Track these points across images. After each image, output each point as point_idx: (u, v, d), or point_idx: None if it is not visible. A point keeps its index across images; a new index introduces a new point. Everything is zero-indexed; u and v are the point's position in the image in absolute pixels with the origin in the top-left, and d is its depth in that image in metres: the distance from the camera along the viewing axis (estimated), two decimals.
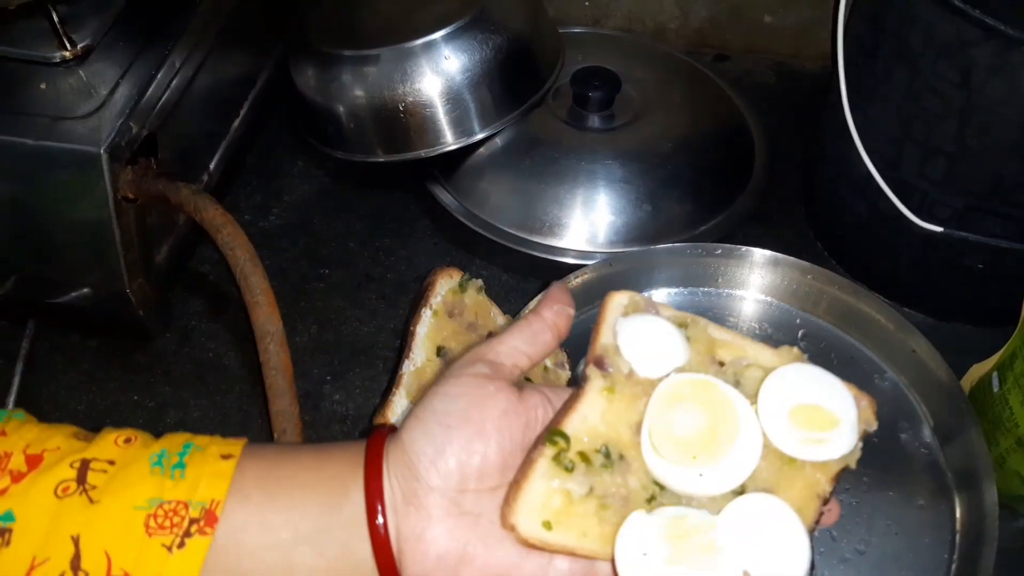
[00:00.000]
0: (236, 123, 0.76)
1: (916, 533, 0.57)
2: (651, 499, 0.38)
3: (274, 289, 0.61)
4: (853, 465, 0.39)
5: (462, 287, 0.57)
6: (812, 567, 0.38)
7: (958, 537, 0.57)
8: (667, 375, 0.40)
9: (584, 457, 0.38)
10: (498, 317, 0.59)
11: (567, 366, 0.58)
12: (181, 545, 0.34)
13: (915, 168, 0.61)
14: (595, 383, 0.40)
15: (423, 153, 0.70)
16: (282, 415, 0.58)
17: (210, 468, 0.36)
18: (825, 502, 0.39)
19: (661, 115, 0.75)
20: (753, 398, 0.40)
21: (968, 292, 0.68)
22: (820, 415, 0.39)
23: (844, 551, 0.56)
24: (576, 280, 0.66)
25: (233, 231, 0.57)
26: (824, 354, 0.65)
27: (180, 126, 0.66)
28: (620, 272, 0.67)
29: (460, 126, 0.70)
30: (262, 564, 0.36)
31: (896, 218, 0.63)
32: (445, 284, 0.56)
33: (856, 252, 0.72)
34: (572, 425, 0.38)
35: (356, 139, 0.71)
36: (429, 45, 0.67)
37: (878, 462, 0.60)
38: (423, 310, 0.54)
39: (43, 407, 0.68)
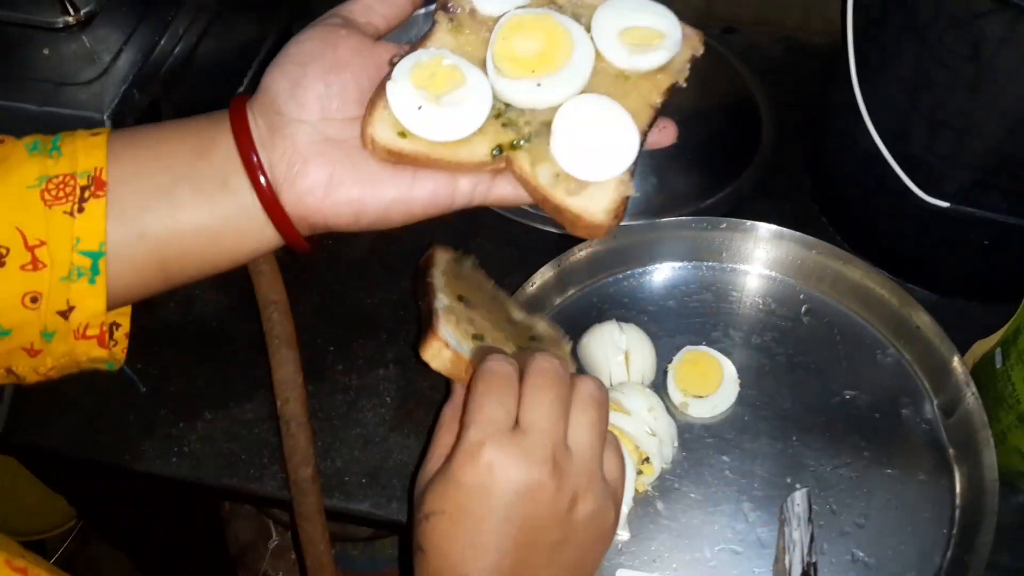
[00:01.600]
0: (240, 91, 0.75)
1: (916, 508, 0.57)
2: (497, 116, 0.42)
3: (277, 260, 0.61)
4: (682, 82, 0.45)
5: (457, 263, 0.57)
6: (635, 166, 0.43)
7: (958, 512, 0.57)
8: (508, 12, 0.44)
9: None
10: (496, 292, 0.59)
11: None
12: (81, 210, 0.38)
13: (922, 142, 0.61)
14: (442, 24, 0.44)
15: None
16: (285, 384, 0.59)
17: (83, 143, 0.40)
18: (657, 113, 0.44)
19: None
20: (588, 29, 0.44)
21: (973, 269, 0.67)
22: (647, 33, 0.44)
23: (843, 524, 0.57)
24: (581, 253, 0.66)
25: None
26: (827, 329, 0.65)
27: (184, 93, 0.66)
28: (624, 245, 0.67)
29: None
30: (147, 211, 0.39)
31: (902, 193, 0.62)
32: (441, 261, 0.56)
33: (861, 227, 0.71)
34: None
35: None
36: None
37: (879, 437, 0.60)
38: (432, 281, 0.54)
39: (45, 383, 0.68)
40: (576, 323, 0.64)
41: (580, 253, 0.66)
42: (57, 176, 0.38)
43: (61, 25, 0.61)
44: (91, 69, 0.60)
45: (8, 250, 0.37)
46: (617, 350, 0.61)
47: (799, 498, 0.55)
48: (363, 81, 0.41)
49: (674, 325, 0.66)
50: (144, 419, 0.65)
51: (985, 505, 0.54)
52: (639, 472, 0.57)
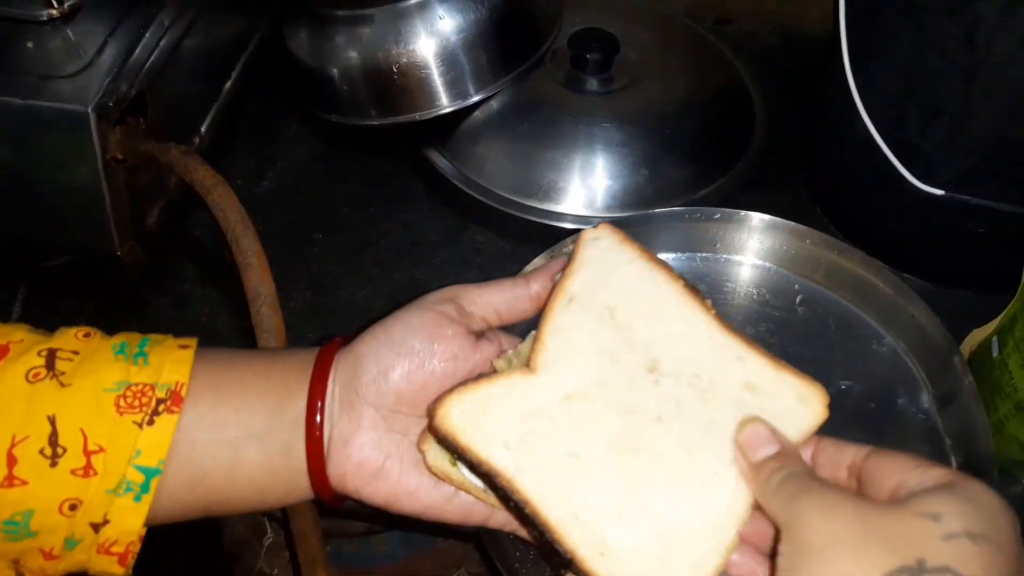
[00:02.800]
0: (228, 85, 0.75)
1: None
2: None
3: (268, 254, 0.60)
4: None
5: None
6: None
7: None
8: None
9: None
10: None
11: None
12: (151, 423, 0.36)
13: (917, 129, 0.60)
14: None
15: (417, 116, 0.69)
16: None
17: (171, 356, 0.39)
18: None
19: (660, 78, 0.74)
20: None
21: (968, 257, 0.67)
22: None
23: None
24: (573, 245, 0.65)
25: (223, 192, 0.56)
26: (822, 319, 0.65)
27: (170, 87, 0.65)
28: None
29: (455, 88, 0.69)
30: (212, 460, 0.38)
31: (897, 181, 0.62)
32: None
33: (855, 217, 0.71)
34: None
35: (350, 102, 0.70)
36: (424, 5, 0.66)
37: (875, 427, 0.60)
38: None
39: None
40: None
41: (572, 245, 0.65)
42: (138, 384, 0.37)
43: (45, 18, 0.61)
44: (75, 62, 0.59)
45: (65, 451, 0.35)
46: None
47: None
48: (447, 384, 0.40)
49: None
50: None
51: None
52: None
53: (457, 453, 0.37)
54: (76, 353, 0.37)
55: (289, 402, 0.40)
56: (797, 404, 0.37)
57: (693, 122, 0.73)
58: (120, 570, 0.38)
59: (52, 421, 0.35)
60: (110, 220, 0.61)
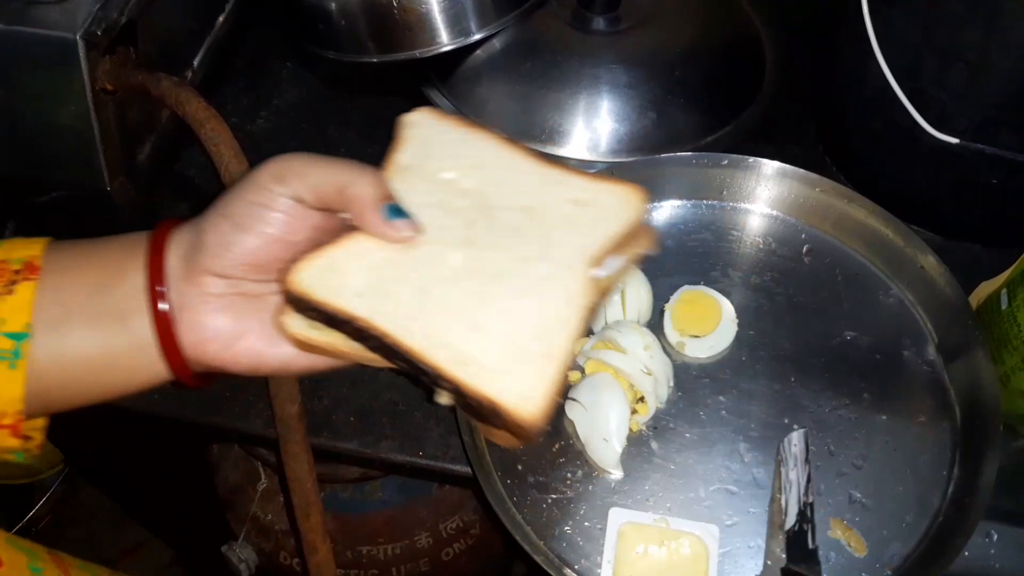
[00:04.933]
0: (221, 18, 0.72)
1: (915, 450, 0.56)
2: None
3: None
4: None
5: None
6: None
7: (958, 455, 0.56)
8: None
9: None
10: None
11: None
12: (10, 292, 0.38)
13: (934, 77, 0.59)
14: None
15: (417, 53, 0.67)
16: None
17: (22, 241, 0.40)
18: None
19: (670, 19, 0.72)
20: None
21: (980, 209, 0.66)
22: None
23: (841, 466, 0.56)
24: None
25: (217, 125, 0.54)
26: (829, 269, 0.64)
27: (161, 16, 0.63)
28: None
29: (457, 25, 0.66)
30: (35, 341, 0.38)
31: (910, 129, 0.60)
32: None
33: (867, 167, 0.69)
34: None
35: (348, 38, 0.68)
36: None
37: (879, 379, 0.59)
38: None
39: None
40: None
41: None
42: None
43: None
44: None
45: None
46: None
47: (796, 438, 0.54)
48: (295, 249, 0.39)
49: (672, 264, 0.64)
50: None
51: (987, 449, 0.53)
52: (634, 412, 0.56)
53: (314, 312, 0.39)
54: None
55: (120, 276, 0.39)
56: (619, 204, 0.41)
57: (702, 66, 0.71)
58: (15, 442, 0.39)
59: None
60: (99, 154, 0.59)
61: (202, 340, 0.39)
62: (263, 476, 0.94)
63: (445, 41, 0.66)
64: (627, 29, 0.71)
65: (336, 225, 0.40)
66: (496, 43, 0.70)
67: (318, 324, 0.39)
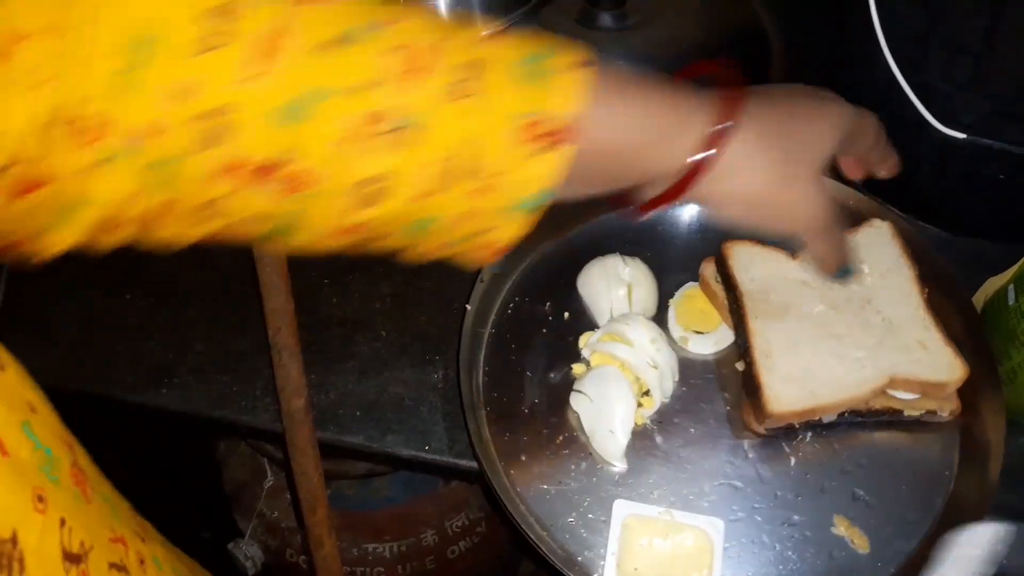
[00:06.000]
0: None
1: (919, 448, 0.56)
2: None
3: None
4: None
5: None
6: None
7: (963, 453, 0.56)
8: None
9: None
10: None
11: None
12: (548, 150, 0.36)
13: (940, 70, 0.59)
14: None
15: None
16: (276, 313, 0.57)
17: (570, 77, 0.37)
18: None
19: (676, 15, 0.72)
20: None
21: (986, 204, 0.65)
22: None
23: (845, 463, 0.56)
24: None
25: None
26: None
27: None
28: None
29: (463, 21, 0.67)
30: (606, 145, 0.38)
31: (917, 124, 0.60)
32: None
33: None
34: None
35: None
36: None
37: None
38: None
39: (27, 313, 0.67)
40: (579, 255, 0.62)
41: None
42: (535, 113, 0.36)
43: None
44: None
45: (472, 171, 0.36)
46: (620, 282, 0.60)
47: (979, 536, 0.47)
48: None
49: (678, 261, 0.64)
50: (131, 350, 0.63)
51: (991, 445, 0.53)
52: (639, 404, 0.56)
53: (723, 271, 0.59)
54: (487, 69, 0.36)
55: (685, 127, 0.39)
56: (945, 365, 0.55)
57: (708, 61, 0.71)
58: (489, 260, 0.40)
59: (472, 145, 0.36)
60: None
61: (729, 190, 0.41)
62: (269, 473, 0.94)
63: None
64: (633, 25, 0.71)
65: None
66: None
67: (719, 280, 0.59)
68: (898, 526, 0.53)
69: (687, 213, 0.66)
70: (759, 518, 0.54)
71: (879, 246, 0.60)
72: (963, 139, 0.59)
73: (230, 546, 0.93)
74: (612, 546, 0.52)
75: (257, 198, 0.35)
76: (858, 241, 0.60)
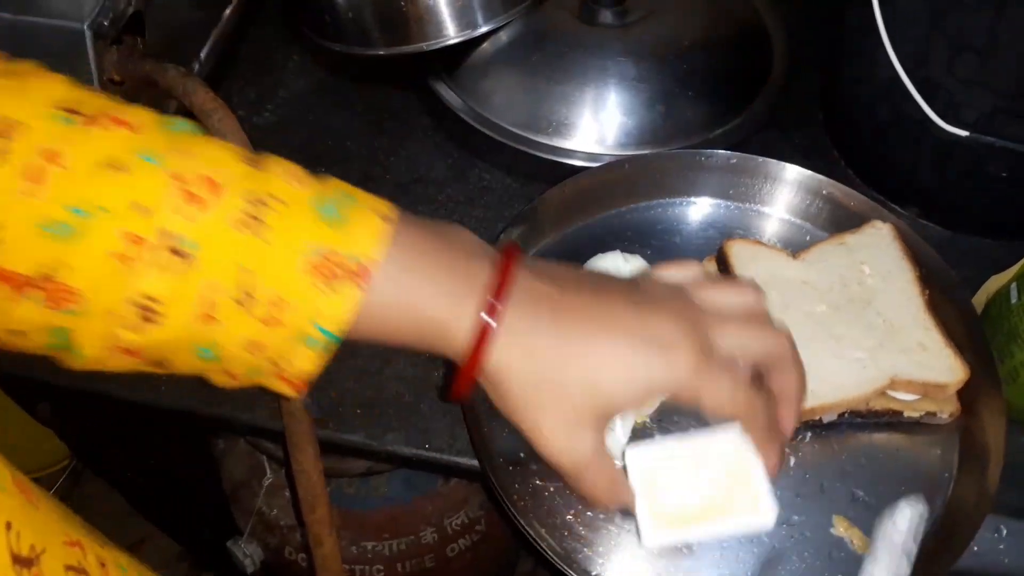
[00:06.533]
0: (228, 11, 0.72)
1: (919, 448, 0.56)
2: None
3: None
4: None
5: None
6: None
7: (963, 453, 0.56)
8: None
9: None
10: None
11: None
12: (335, 291, 0.36)
13: (943, 66, 0.58)
14: None
15: (424, 46, 0.66)
16: None
17: (373, 225, 0.37)
18: None
19: (677, 11, 0.72)
20: None
21: (988, 202, 0.65)
22: None
23: (845, 464, 0.55)
24: (585, 182, 0.64)
25: (224, 115, 0.54)
26: None
27: (167, 9, 0.63)
28: (629, 175, 0.65)
29: (464, 18, 0.66)
30: (384, 318, 0.38)
31: (919, 122, 0.60)
32: None
33: (874, 160, 0.69)
34: None
35: (355, 30, 0.68)
36: None
37: None
38: None
39: None
40: (580, 252, 0.62)
41: (585, 182, 0.63)
42: (332, 251, 0.36)
43: None
44: None
45: (252, 298, 0.36)
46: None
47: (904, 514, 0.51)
48: None
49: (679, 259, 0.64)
50: None
51: (990, 448, 0.53)
52: None
53: (724, 270, 0.59)
54: (282, 202, 0.36)
55: (456, 325, 0.38)
56: (946, 367, 0.55)
57: (710, 58, 0.71)
58: (293, 393, 0.39)
59: (243, 270, 0.36)
60: None
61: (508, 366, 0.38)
62: (268, 471, 0.94)
63: (452, 34, 0.66)
64: (634, 22, 0.70)
65: None
66: (503, 36, 0.70)
67: None
68: None
69: (688, 210, 0.66)
70: None
71: (880, 248, 0.60)
72: (965, 136, 0.59)
73: (229, 544, 0.93)
74: (640, 490, 0.44)
75: (23, 310, 0.35)
76: (859, 242, 0.60)
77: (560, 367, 0.38)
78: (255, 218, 0.36)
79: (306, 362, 0.37)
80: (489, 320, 0.37)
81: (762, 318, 0.43)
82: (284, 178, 0.37)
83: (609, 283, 0.42)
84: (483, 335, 0.37)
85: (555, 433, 0.39)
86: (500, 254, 0.39)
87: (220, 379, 0.39)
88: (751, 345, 0.41)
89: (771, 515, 0.43)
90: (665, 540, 0.43)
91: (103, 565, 0.33)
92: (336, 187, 0.38)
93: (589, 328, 0.39)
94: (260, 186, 0.36)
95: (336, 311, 0.36)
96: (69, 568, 0.31)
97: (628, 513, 0.44)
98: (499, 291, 0.37)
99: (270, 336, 0.36)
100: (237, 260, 0.35)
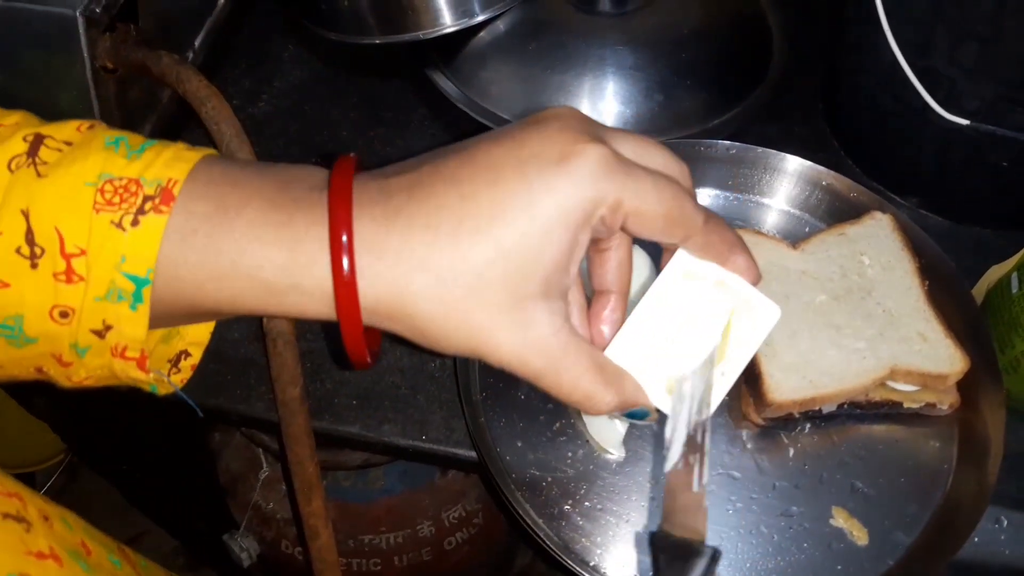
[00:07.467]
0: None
1: (919, 439, 0.56)
2: None
3: None
4: None
5: None
6: None
7: (963, 444, 0.55)
8: None
9: None
10: None
11: None
12: (135, 223, 0.31)
13: (944, 54, 0.58)
14: None
15: (421, 35, 0.66)
16: None
17: (170, 153, 0.32)
18: None
19: (676, 0, 0.71)
20: None
21: (989, 192, 0.65)
22: None
23: (844, 455, 0.55)
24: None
25: (218, 104, 0.54)
26: None
27: None
28: None
29: (461, 6, 0.65)
30: (203, 269, 0.32)
31: (921, 111, 0.59)
32: None
33: (874, 150, 0.68)
34: None
35: (351, 19, 0.67)
36: None
37: None
38: None
39: None
40: None
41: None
42: (121, 179, 0.31)
43: None
44: None
45: (43, 252, 0.31)
46: None
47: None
48: None
49: None
50: None
51: (990, 440, 0.53)
52: None
53: None
54: (69, 144, 0.32)
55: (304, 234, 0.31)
56: (947, 358, 0.55)
57: (709, 47, 0.70)
58: (142, 374, 0.34)
59: (26, 216, 0.31)
60: None
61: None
62: (264, 464, 0.94)
63: (449, 22, 0.66)
64: (633, 10, 0.70)
65: None
66: (500, 24, 0.69)
67: None
68: (897, 518, 0.53)
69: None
70: (757, 509, 0.53)
71: (880, 238, 0.60)
72: (966, 126, 0.58)
73: (225, 537, 0.93)
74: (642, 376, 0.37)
75: None
76: (859, 233, 0.60)
77: (451, 251, 0.30)
78: (33, 156, 0.31)
79: (128, 324, 0.32)
80: (342, 242, 0.30)
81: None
82: (80, 127, 0.33)
83: (463, 141, 0.34)
84: (340, 265, 0.30)
85: (498, 331, 0.31)
86: (330, 169, 0.33)
87: (55, 371, 0.34)
88: (654, 158, 0.33)
89: (773, 308, 0.38)
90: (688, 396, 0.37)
91: (46, 519, 0.31)
92: (138, 136, 0.33)
93: (462, 187, 0.30)
94: (45, 130, 0.32)
95: (138, 247, 0.31)
96: (8, 516, 0.29)
97: (636, 415, 0.37)
98: (337, 203, 0.30)
99: (73, 296, 0.31)
100: (11, 201, 0.31)
